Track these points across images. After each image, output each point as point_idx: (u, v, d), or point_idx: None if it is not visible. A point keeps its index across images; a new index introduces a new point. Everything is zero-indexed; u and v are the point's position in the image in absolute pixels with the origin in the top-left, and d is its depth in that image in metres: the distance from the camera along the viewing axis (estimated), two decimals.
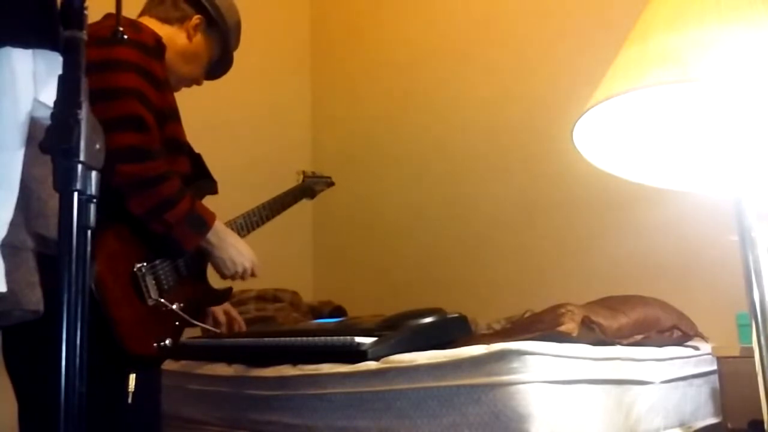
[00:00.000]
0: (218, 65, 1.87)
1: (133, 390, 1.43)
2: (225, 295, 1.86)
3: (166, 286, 1.56)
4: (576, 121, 1.11)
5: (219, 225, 1.65)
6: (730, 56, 0.97)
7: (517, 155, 2.84)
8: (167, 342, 1.54)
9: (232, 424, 1.94)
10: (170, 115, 1.62)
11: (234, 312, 2.03)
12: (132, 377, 1.43)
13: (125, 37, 1.44)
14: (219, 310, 1.98)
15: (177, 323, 1.59)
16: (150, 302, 1.51)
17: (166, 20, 1.74)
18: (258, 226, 1.94)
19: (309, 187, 2.33)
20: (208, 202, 1.72)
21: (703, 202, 1.51)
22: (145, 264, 1.52)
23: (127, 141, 1.44)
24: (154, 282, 1.53)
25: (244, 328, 2.04)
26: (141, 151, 1.48)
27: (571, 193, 2.61)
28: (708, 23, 1.00)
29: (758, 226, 1.12)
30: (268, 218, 1.99)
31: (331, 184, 2.46)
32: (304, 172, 2.37)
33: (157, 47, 1.60)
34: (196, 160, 1.76)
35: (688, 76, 0.97)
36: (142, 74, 1.52)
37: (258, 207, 1.96)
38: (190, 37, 1.76)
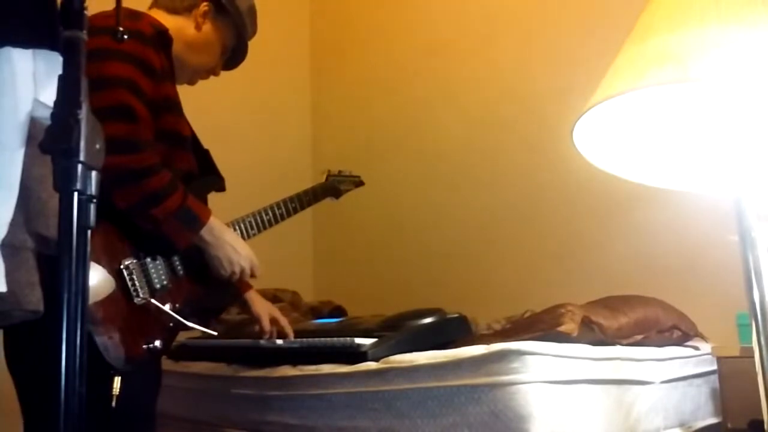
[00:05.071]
0: (235, 53, 1.81)
1: (117, 393, 1.34)
2: (232, 296, 1.78)
3: (158, 285, 1.49)
4: (576, 121, 1.11)
5: (215, 222, 1.57)
6: (730, 56, 0.97)
7: (517, 155, 2.84)
8: (157, 343, 1.45)
9: (233, 424, 1.94)
10: (168, 107, 1.55)
11: (283, 321, 1.85)
12: (117, 379, 1.35)
13: (125, 37, 1.41)
14: (265, 317, 1.81)
15: (171, 324, 1.51)
16: (138, 301, 1.44)
17: (173, 11, 1.69)
18: (271, 224, 1.84)
19: (333, 187, 2.22)
20: (213, 199, 1.69)
21: (703, 202, 1.51)
22: (133, 261, 1.45)
23: (113, 132, 1.32)
24: (144, 280, 1.47)
25: (292, 338, 1.87)
26: (127, 142, 1.41)
27: (571, 193, 2.61)
28: (708, 23, 1.00)
29: (758, 226, 1.12)
30: (283, 217, 1.89)
31: (360, 183, 2.33)
32: (329, 171, 2.27)
33: (155, 36, 1.54)
34: (204, 156, 1.70)
35: (688, 76, 0.97)
36: (135, 63, 1.46)
37: (272, 205, 1.87)
38: (198, 26, 1.70)
